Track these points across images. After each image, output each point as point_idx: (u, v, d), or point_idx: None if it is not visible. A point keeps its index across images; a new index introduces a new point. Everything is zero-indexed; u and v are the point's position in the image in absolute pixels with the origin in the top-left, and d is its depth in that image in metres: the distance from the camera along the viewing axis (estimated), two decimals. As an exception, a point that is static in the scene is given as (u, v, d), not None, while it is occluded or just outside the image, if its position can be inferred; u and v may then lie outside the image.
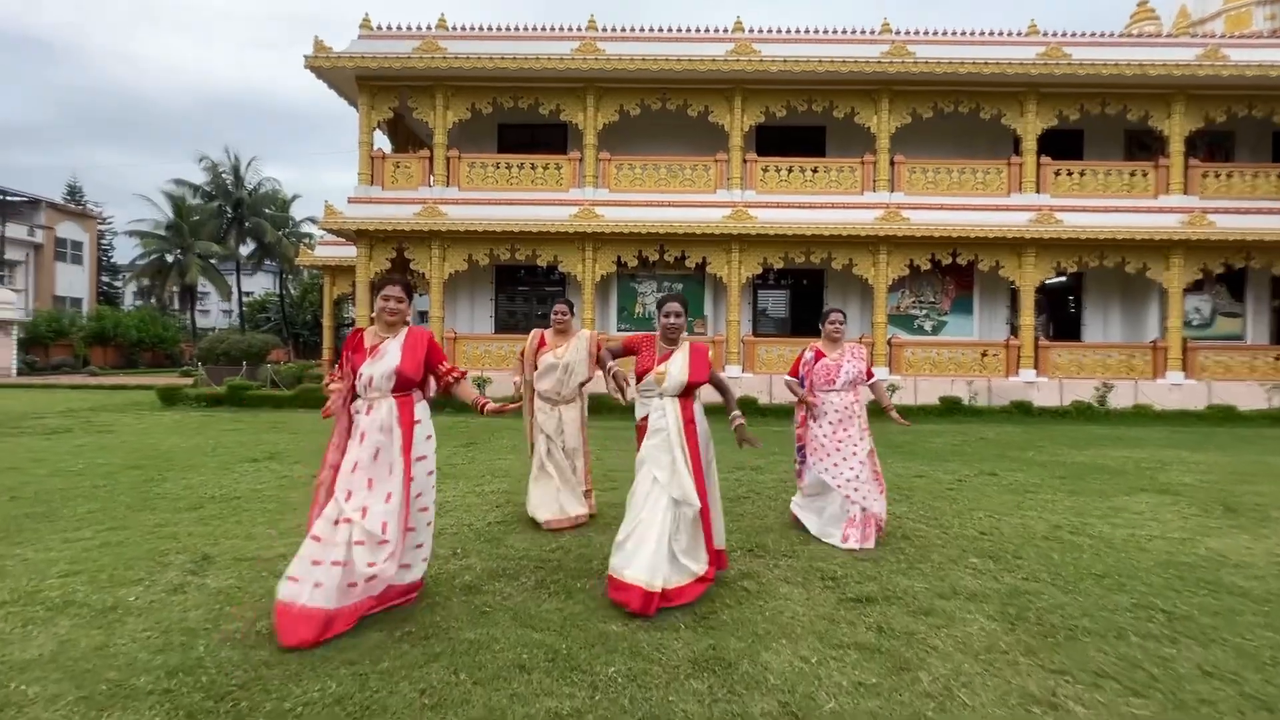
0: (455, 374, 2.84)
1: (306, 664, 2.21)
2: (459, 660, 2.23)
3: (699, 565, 2.85)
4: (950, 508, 4.54)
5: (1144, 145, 14.88)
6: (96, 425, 8.83)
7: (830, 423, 3.88)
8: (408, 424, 2.69)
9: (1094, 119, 13.81)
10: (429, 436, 2.81)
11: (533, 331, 4.24)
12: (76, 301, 32.78)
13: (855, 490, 3.71)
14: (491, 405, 2.82)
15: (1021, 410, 11.46)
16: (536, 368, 4.09)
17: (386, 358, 2.69)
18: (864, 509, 3.69)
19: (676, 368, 2.99)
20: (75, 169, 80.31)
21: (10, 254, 28.81)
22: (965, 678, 2.14)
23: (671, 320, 3.04)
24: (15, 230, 29.24)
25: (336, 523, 2.52)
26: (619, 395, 2.93)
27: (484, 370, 12.82)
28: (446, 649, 2.31)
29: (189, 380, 16.91)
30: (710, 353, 3.13)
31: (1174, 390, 12.87)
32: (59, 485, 4.97)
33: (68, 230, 33.11)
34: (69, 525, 3.90)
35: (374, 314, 2.79)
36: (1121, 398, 12.34)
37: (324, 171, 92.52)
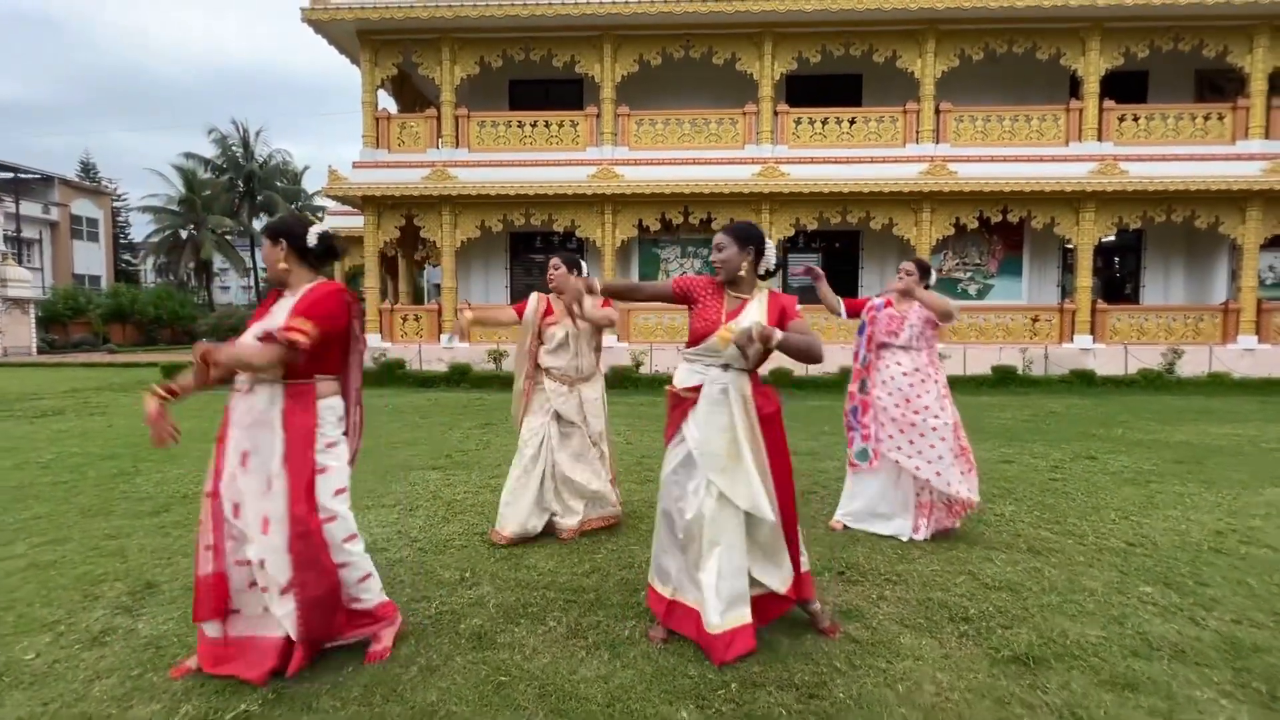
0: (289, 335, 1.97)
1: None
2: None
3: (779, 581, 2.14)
4: (1069, 505, 3.70)
5: (1216, 87, 13.43)
6: (92, 406, 8.28)
7: (900, 389, 3.23)
8: (297, 426, 1.94)
9: (1162, 58, 12.40)
10: (332, 445, 2.03)
11: (533, 295, 3.34)
12: (95, 279, 32.64)
13: (937, 475, 3.10)
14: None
15: (1083, 380, 10.48)
16: (542, 342, 3.28)
17: (270, 318, 2.00)
18: (946, 496, 3.11)
19: (750, 323, 2.08)
20: (88, 146, 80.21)
21: (26, 232, 28.55)
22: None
23: (719, 255, 2.20)
24: (30, 208, 28.92)
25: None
26: (576, 307, 2.24)
27: (500, 343, 12.10)
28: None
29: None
30: (797, 304, 2.23)
31: (1245, 356, 11.76)
32: (16, 481, 4.34)
33: (83, 207, 32.79)
34: (3, 536, 3.24)
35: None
36: (1191, 365, 11.27)
37: (339, 145, 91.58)
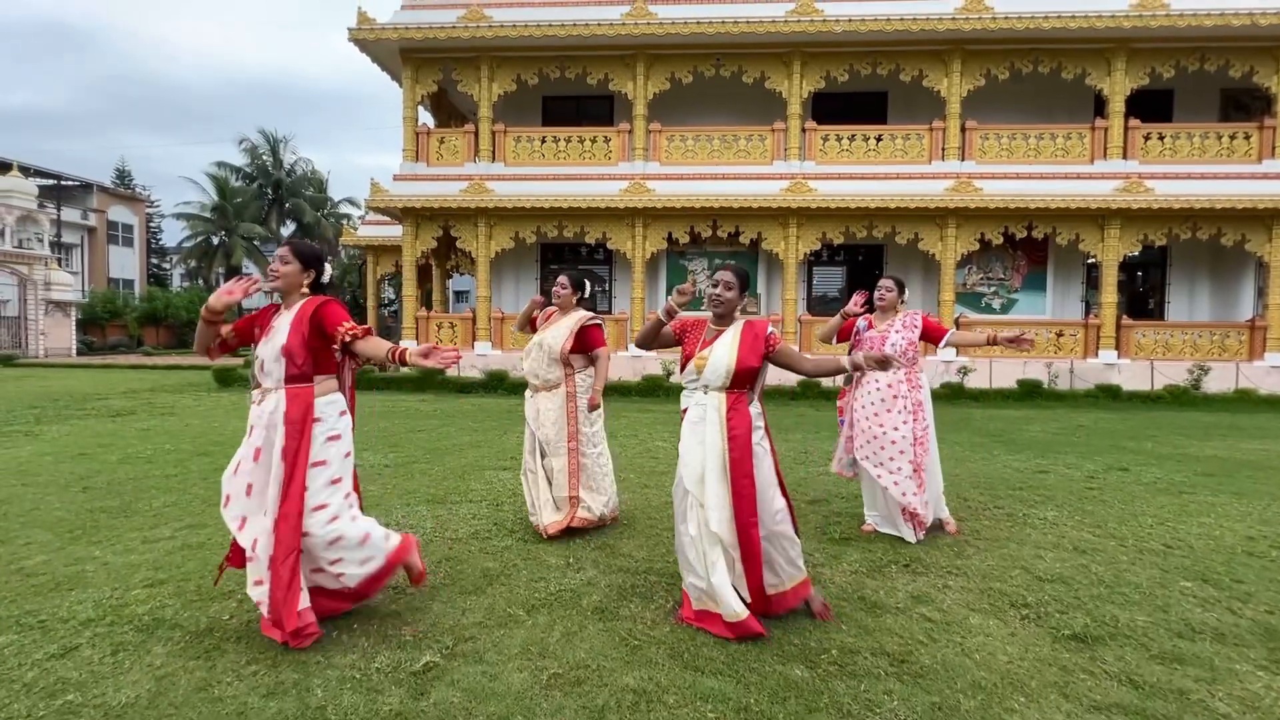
0: (354, 331, 2.26)
1: (442, 712, 1.83)
2: (629, 718, 1.82)
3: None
4: (1107, 511, 3.98)
5: (1241, 106, 13.59)
6: (158, 407, 8.76)
7: (873, 403, 3.48)
8: (295, 420, 2.23)
9: (1188, 78, 12.60)
10: (333, 437, 2.31)
11: (535, 299, 3.68)
12: (129, 283, 33.62)
13: (895, 485, 3.35)
14: (415, 350, 2.10)
15: (1108, 394, 10.65)
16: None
17: (275, 335, 2.28)
18: (901, 505, 3.35)
19: (722, 350, 2.39)
20: (119, 154, 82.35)
21: (66, 237, 29.55)
22: (1301, 765, 1.65)
23: (717, 291, 2.44)
24: (69, 214, 29.95)
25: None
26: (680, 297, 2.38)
27: (534, 351, 12.48)
28: (610, 701, 1.91)
29: (240, 360, 17.08)
30: (771, 329, 2.47)
31: (1273, 373, 11.84)
32: (130, 474, 4.76)
33: (118, 214, 33.85)
34: (146, 522, 3.64)
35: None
36: (1217, 381, 11.39)
37: (354, 153, 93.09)
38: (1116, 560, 3.13)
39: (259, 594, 2.24)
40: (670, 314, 2.45)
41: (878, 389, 3.48)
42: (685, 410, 2.50)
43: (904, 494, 3.34)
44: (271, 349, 2.27)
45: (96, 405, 8.87)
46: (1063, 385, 11.53)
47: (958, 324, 12.45)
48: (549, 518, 3.38)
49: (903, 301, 3.61)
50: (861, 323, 3.60)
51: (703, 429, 2.38)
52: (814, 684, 2.01)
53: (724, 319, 2.49)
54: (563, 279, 3.56)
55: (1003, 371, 11.81)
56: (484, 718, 1.83)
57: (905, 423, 3.41)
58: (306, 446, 2.23)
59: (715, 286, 2.45)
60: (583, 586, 2.76)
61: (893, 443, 3.40)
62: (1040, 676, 2.07)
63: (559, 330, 3.51)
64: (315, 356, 2.29)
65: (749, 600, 2.36)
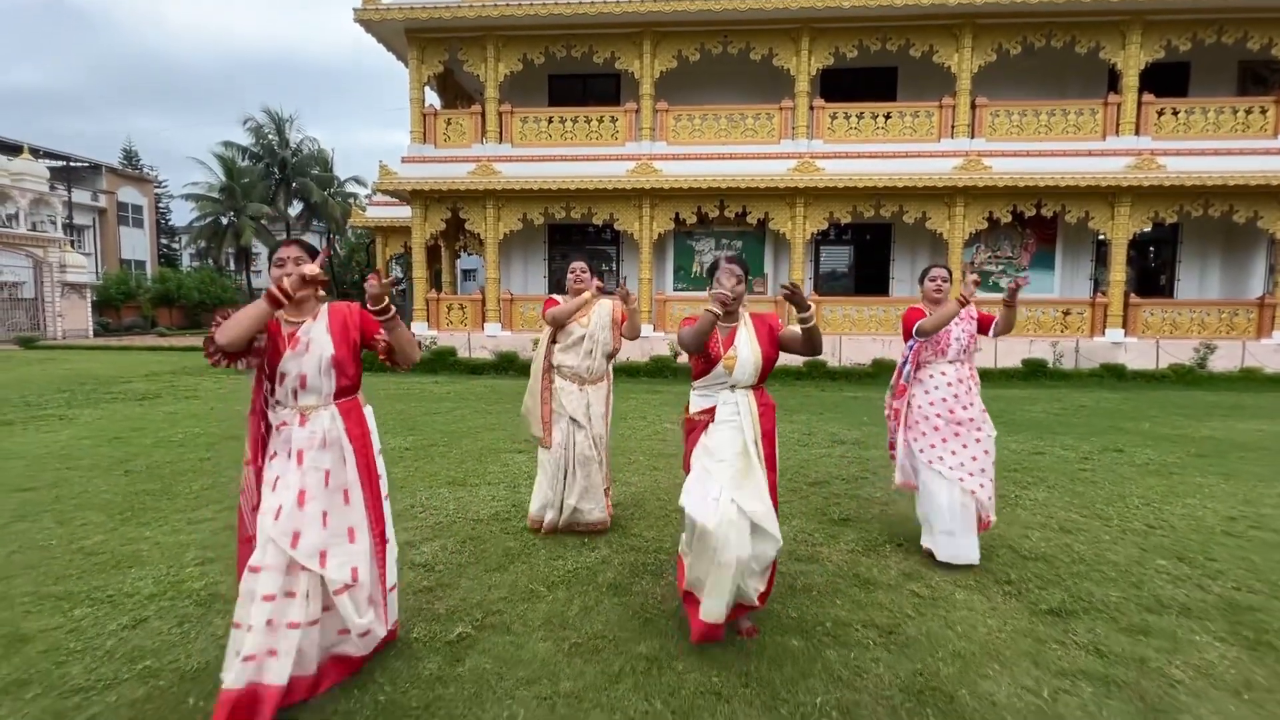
0: (388, 326, 2.08)
1: (485, 684, 2.07)
2: (644, 682, 2.05)
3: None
4: (1097, 493, 4.16)
5: (1260, 79, 13.35)
6: (181, 390, 9.05)
7: (944, 399, 3.14)
8: (359, 436, 2.10)
9: (1204, 50, 12.37)
10: (379, 451, 2.20)
11: (548, 296, 3.55)
12: (140, 264, 33.95)
13: (981, 488, 3.02)
14: (376, 298, 2.00)
15: (1113, 374, 10.73)
16: (556, 340, 3.45)
17: (314, 347, 2.03)
18: (982, 508, 3.04)
19: (745, 348, 2.34)
20: (126, 135, 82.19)
21: (78, 219, 29.80)
22: (1240, 725, 1.86)
23: (730, 287, 2.30)
24: (80, 196, 30.17)
25: (289, 570, 1.92)
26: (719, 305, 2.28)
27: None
28: (626, 667, 2.14)
29: (253, 342, 17.34)
30: (772, 316, 2.46)
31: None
32: (165, 458, 5.03)
33: (128, 195, 34.02)
34: (188, 504, 3.90)
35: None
36: (1224, 360, 11.43)
37: (357, 130, 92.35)
38: (1099, 540, 3.32)
39: (367, 622, 2.04)
40: (718, 315, 2.31)
41: (946, 383, 3.17)
42: (705, 411, 2.38)
43: (989, 498, 3.04)
44: (314, 362, 2.03)
45: (122, 389, 9.17)
46: (1068, 364, 11.61)
47: (965, 303, 12.49)
48: (596, 514, 3.36)
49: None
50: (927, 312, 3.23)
51: (739, 423, 2.32)
52: (808, 652, 2.22)
53: (732, 314, 2.40)
54: (580, 264, 3.45)
55: (1008, 350, 11.89)
56: (514, 681, 2.07)
57: (985, 421, 3.13)
58: (375, 462, 2.14)
59: (725, 282, 2.32)
60: (598, 564, 2.99)
61: (976, 441, 3.08)
62: (1015, 646, 2.28)
63: (602, 322, 3.43)
64: (357, 366, 2.14)
65: (757, 599, 2.34)
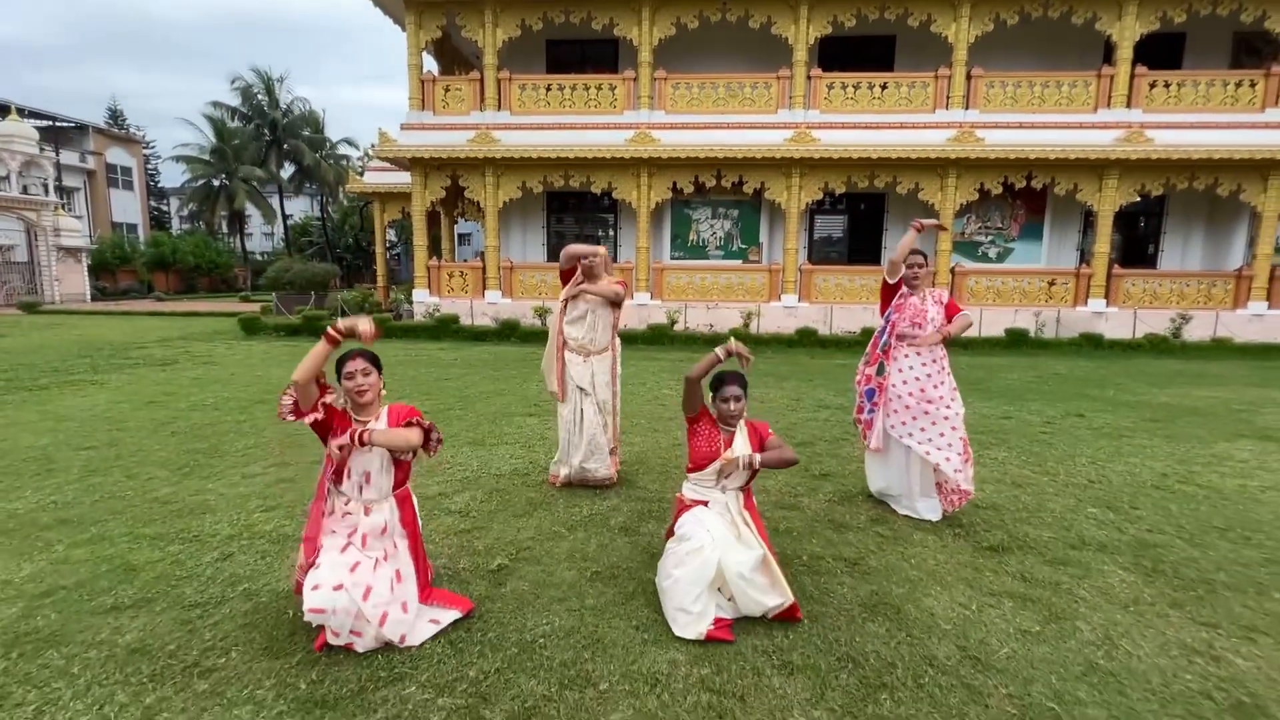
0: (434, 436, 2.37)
1: (525, 601, 2.54)
2: (653, 600, 2.53)
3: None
4: (1050, 453, 4.66)
5: (1254, 50, 13.47)
6: (198, 356, 9.41)
7: (917, 377, 3.35)
8: (411, 522, 2.40)
9: (1200, 21, 12.49)
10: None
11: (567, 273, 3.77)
12: (132, 227, 33.72)
13: (946, 461, 3.26)
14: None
15: (1091, 343, 11.23)
16: (566, 314, 3.75)
17: (376, 449, 2.27)
18: (954, 483, 3.29)
19: (744, 447, 2.57)
20: (108, 92, 79.79)
21: (67, 181, 29.48)
22: (1121, 628, 2.36)
23: (732, 406, 2.58)
24: (68, 157, 29.75)
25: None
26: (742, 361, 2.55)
27: (543, 299, 13.02)
28: (637, 589, 2.62)
29: (251, 306, 17.66)
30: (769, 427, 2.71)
31: (1254, 321, 12.37)
32: (204, 420, 5.45)
33: (116, 156, 33.53)
34: (237, 461, 4.33)
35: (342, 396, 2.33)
36: (1199, 329, 11.93)
37: (344, 86, 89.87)
38: (1044, 492, 3.83)
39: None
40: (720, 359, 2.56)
41: (921, 363, 3.36)
42: (698, 500, 2.62)
43: (955, 470, 3.25)
44: (377, 461, 2.30)
45: (140, 355, 9.52)
46: (1049, 334, 12.08)
47: (953, 273, 12.91)
48: (602, 471, 3.75)
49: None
50: (906, 289, 3.49)
51: (728, 515, 2.55)
52: (787, 578, 2.70)
53: (731, 423, 2.64)
54: (597, 250, 3.70)
55: (992, 320, 12.35)
56: (548, 599, 2.55)
57: (955, 399, 3.34)
58: (421, 542, 2.45)
59: (727, 402, 2.58)
60: (609, 511, 3.47)
61: (945, 418, 3.30)
62: (956, 574, 2.78)
63: (607, 297, 3.69)
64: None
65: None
